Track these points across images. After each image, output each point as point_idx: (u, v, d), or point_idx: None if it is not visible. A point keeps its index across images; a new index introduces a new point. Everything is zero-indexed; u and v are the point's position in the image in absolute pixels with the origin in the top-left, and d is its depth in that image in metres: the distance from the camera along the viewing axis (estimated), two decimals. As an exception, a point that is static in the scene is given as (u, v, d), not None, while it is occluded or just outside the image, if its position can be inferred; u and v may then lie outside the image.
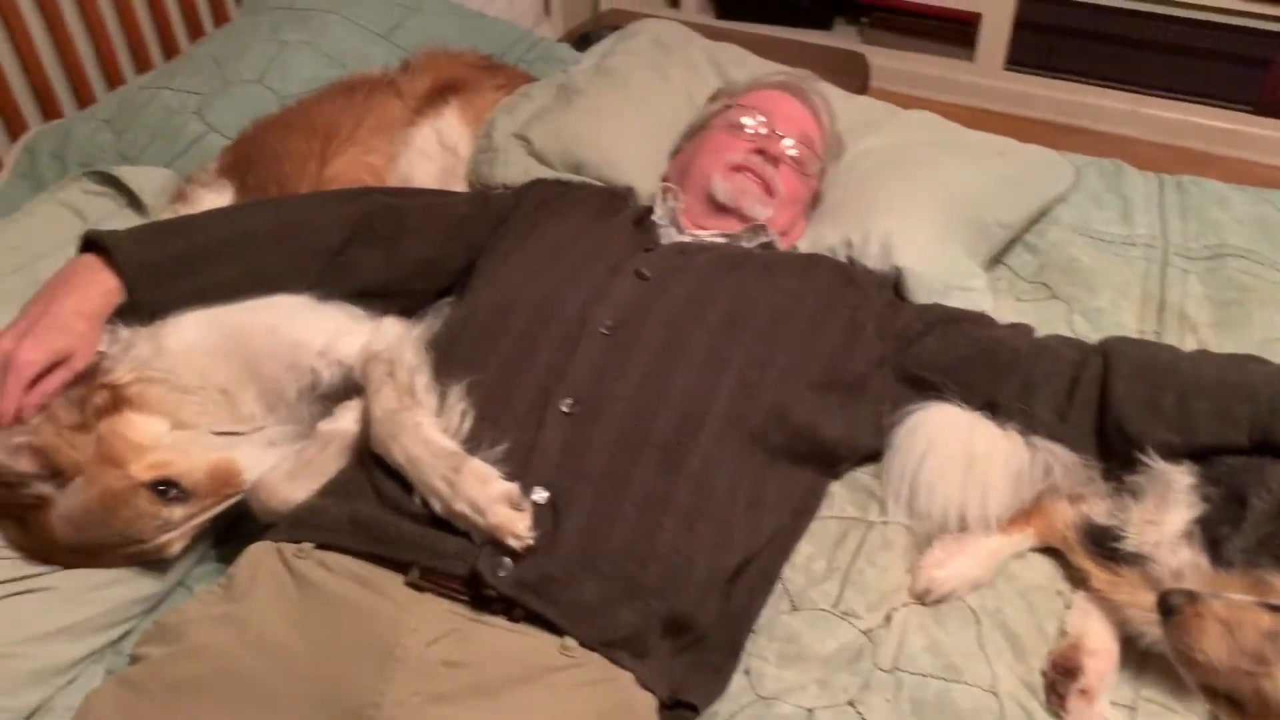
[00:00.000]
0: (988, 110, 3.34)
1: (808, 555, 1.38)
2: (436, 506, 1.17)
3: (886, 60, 3.31)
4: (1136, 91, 3.29)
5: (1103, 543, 1.27)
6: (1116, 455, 1.38)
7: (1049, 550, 1.38)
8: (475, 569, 1.13)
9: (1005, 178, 1.78)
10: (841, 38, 3.52)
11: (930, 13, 3.38)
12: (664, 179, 1.75)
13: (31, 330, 1.26)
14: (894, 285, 1.61)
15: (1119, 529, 1.27)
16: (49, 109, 2.00)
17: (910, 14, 3.41)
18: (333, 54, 2.05)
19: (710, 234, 1.63)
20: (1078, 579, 1.33)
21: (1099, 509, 1.31)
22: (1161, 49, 3.18)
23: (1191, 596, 1.07)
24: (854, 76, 2.71)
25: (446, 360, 1.34)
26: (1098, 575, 1.27)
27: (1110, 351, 1.42)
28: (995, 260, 1.78)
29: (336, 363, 1.37)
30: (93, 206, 1.62)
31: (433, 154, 1.80)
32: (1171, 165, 2.02)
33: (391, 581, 1.16)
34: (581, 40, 2.82)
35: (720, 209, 1.63)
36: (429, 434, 1.22)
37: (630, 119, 1.84)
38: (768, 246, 1.61)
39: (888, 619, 1.30)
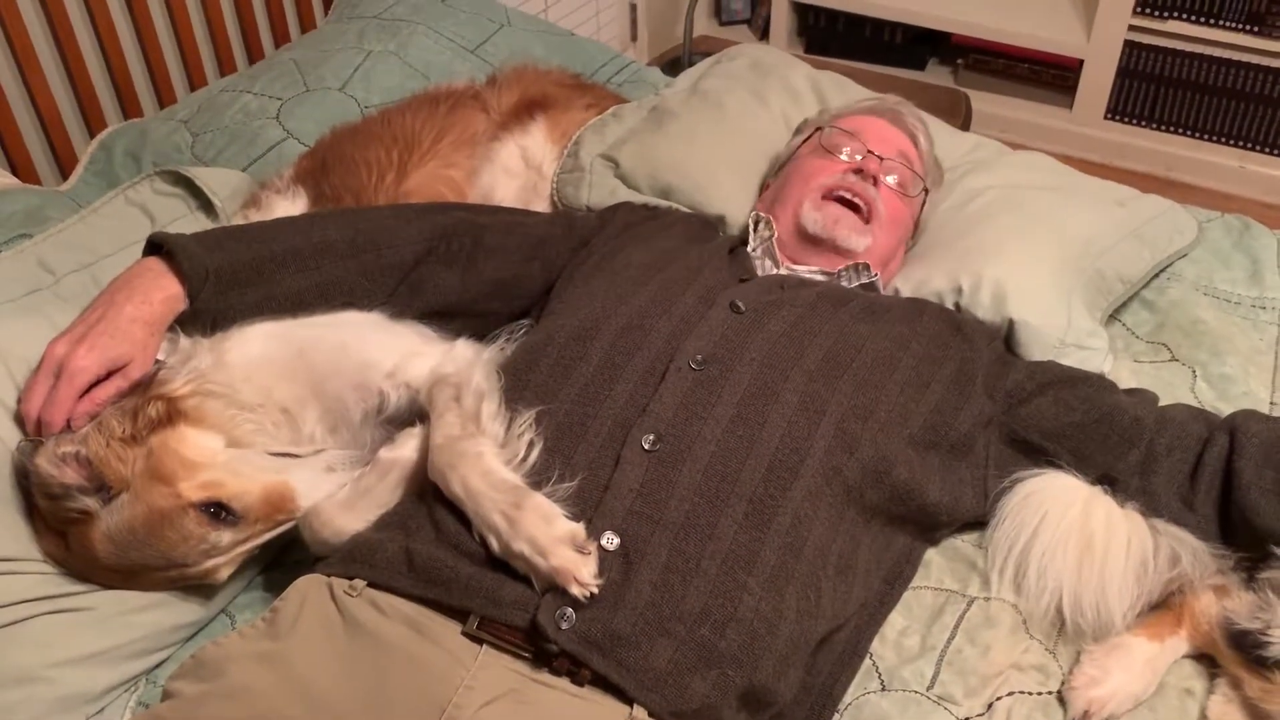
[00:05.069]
0: (1086, 160, 3.20)
1: (900, 629, 1.25)
2: (494, 545, 1.08)
3: (981, 104, 3.18)
4: (1243, 147, 3.14)
5: (1247, 648, 1.12)
6: (1245, 545, 1.25)
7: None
8: (535, 620, 1.03)
9: (1127, 229, 1.64)
10: (934, 78, 3.41)
11: (1029, 57, 3.26)
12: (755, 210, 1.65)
13: (88, 335, 1.19)
14: (1004, 338, 1.48)
15: (1263, 633, 1.12)
16: (130, 108, 1.96)
17: (1008, 57, 3.29)
18: (418, 65, 2.00)
19: (807, 270, 1.52)
20: (1212, 675, 1.19)
21: (1241, 607, 1.16)
22: (1270, 103, 3.02)
23: None
24: (955, 115, 2.58)
25: (520, 387, 1.24)
26: (1251, 683, 1.12)
27: (1237, 429, 1.29)
28: (1110, 317, 1.64)
29: (404, 385, 1.29)
30: (162, 207, 1.56)
31: (516, 171, 1.72)
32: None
33: (447, 630, 1.06)
34: (671, 65, 2.73)
35: (813, 242, 1.51)
36: (490, 465, 1.12)
37: (724, 144, 1.74)
38: (869, 288, 1.50)
39: (989, 707, 1.17)
